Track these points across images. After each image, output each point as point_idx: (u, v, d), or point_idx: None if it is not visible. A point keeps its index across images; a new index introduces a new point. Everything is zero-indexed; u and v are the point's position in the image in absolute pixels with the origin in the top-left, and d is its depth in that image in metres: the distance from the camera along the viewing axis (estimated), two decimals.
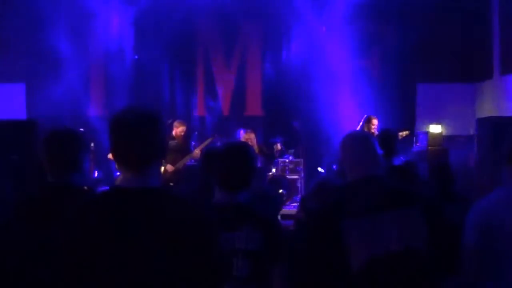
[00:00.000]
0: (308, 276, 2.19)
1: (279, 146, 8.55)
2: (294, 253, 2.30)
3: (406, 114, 9.65)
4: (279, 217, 4.80)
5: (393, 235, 2.15)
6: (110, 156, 7.87)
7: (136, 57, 9.32)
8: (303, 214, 3.66)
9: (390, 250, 2.13)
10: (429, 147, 8.53)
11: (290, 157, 8.77)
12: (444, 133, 8.86)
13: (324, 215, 2.26)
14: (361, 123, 7.94)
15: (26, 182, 3.95)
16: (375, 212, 2.16)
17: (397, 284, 2.14)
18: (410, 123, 9.49)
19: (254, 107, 9.89)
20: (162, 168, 7.68)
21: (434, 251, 2.19)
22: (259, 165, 7.81)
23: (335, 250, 2.13)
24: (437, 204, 2.47)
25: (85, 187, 2.37)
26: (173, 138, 7.94)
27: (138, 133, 1.71)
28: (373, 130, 7.53)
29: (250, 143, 7.49)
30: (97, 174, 8.31)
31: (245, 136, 7.81)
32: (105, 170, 8.34)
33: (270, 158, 8.49)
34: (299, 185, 8.47)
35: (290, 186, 8.29)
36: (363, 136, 2.52)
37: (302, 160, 8.80)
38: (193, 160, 7.95)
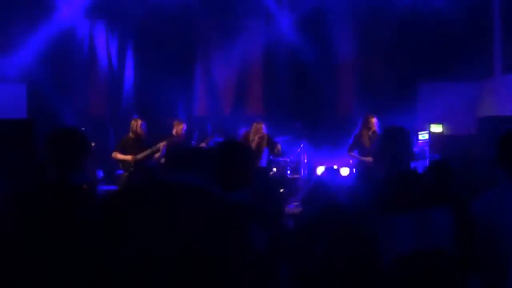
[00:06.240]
0: (328, 273, 2.17)
1: (279, 146, 8.54)
2: (302, 251, 2.29)
3: (407, 113, 9.64)
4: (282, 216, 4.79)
5: (421, 233, 2.13)
6: (113, 155, 7.80)
7: None
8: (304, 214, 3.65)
9: (418, 248, 2.11)
10: (430, 147, 8.53)
11: (291, 157, 8.77)
12: (445, 133, 8.86)
13: (358, 210, 2.23)
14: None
15: (25, 181, 3.95)
16: (407, 209, 2.14)
17: (425, 282, 2.13)
18: (411, 122, 9.49)
19: (256, 106, 9.91)
20: None
21: (462, 251, 2.17)
22: (264, 164, 7.87)
23: (366, 246, 2.11)
24: (467, 204, 2.41)
25: (84, 186, 2.37)
26: (173, 136, 7.94)
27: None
28: (373, 129, 7.53)
29: (259, 133, 7.73)
30: (99, 173, 8.32)
31: (256, 125, 7.89)
32: (107, 169, 8.34)
33: (275, 155, 8.47)
34: (300, 184, 8.47)
35: (291, 185, 8.29)
36: (405, 132, 2.46)
37: (303, 159, 8.80)
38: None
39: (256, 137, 7.75)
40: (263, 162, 7.88)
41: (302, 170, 8.72)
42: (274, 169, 8.48)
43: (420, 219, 2.14)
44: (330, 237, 2.40)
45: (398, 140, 2.32)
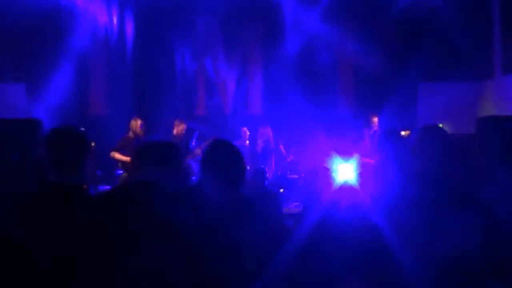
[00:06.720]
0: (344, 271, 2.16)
1: (282, 147, 8.58)
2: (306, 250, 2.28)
3: (408, 113, 9.64)
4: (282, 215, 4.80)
5: (448, 235, 2.11)
6: (112, 154, 7.79)
7: None
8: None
9: (444, 249, 2.09)
10: None
11: (291, 157, 8.77)
12: None
13: (382, 208, 2.21)
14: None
15: (25, 181, 3.95)
16: (433, 209, 2.12)
17: (449, 284, 2.11)
18: (411, 122, 9.48)
19: (256, 106, 9.92)
20: None
21: (488, 254, 2.15)
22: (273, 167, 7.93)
23: (387, 245, 2.10)
24: (495, 207, 2.38)
25: (84, 186, 2.37)
26: (173, 137, 7.94)
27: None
28: (374, 128, 7.54)
29: (264, 138, 7.87)
30: (99, 173, 8.32)
31: (262, 130, 7.97)
32: (107, 169, 8.34)
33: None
34: (299, 184, 8.47)
35: (291, 185, 8.30)
36: (445, 132, 2.43)
37: (302, 159, 8.81)
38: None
39: (261, 141, 7.90)
40: (272, 165, 7.95)
41: (301, 170, 8.72)
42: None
43: (450, 220, 2.13)
44: (352, 242, 2.38)
45: (437, 139, 2.29)
